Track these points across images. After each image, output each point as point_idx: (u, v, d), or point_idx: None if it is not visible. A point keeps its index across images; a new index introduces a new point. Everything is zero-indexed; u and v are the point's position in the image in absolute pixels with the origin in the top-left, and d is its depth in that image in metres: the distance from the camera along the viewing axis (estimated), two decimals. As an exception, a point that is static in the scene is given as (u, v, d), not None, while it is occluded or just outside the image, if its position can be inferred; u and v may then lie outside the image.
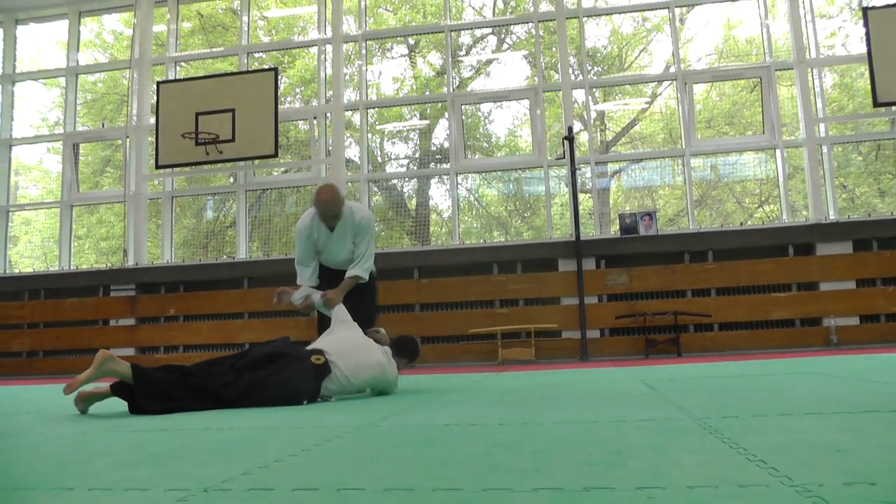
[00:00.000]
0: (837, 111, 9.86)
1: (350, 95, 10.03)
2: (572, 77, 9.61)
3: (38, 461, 2.01)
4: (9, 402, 4.74)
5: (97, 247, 11.71)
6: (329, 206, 4.74)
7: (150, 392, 3.28)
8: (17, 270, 10.51)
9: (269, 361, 3.60)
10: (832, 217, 8.61)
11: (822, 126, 8.96)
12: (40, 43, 11.58)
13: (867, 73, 8.47)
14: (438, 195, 11.06)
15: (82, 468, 1.83)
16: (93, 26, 11.59)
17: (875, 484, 1.26)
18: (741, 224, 9.29)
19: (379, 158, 11.44)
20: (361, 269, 4.80)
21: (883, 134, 9.17)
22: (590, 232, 9.07)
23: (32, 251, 11.28)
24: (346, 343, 3.87)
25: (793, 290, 8.32)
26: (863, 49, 8.59)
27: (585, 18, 9.75)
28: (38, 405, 4.31)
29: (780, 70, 9.16)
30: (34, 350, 9.74)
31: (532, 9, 9.95)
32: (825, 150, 8.88)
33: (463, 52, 11.49)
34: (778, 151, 8.97)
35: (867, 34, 8.43)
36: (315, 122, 9.90)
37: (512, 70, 13.11)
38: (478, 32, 11.36)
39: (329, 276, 4.84)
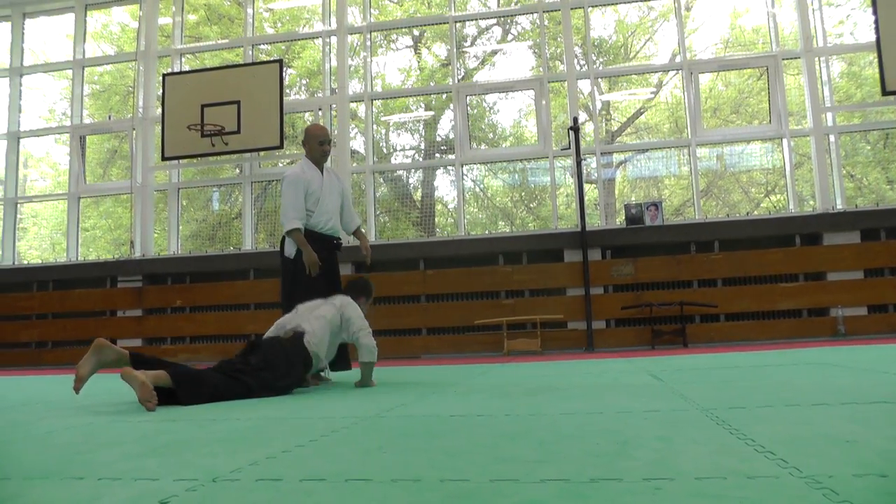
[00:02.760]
0: (845, 100, 9.79)
1: (355, 87, 10.01)
2: (577, 67, 9.57)
3: (48, 451, 2.02)
4: (18, 392, 4.77)
5: (104, 238, 11.75)
6: (326, 132, 4.98)
7: (190, 384, 3.30)
8: (25, 262, 10.55)
9: (250, 352, 3.73)
10: (840, 206, 8.57)
11: (829, 115, 8.90)
12: (48, 36, 11.59)
13: (876, 62, 8.41)
14: (444, 186, 11.05)
15: (91, 458, 1.85)
16: (100, 17, 11.59)
17: (886, 476, 1.26)
18: (747, 214, 9.26)
19: (384, 149, 11.42)
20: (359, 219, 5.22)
21: (892, 122, 9.10)
22: (595, 222, 9.05)
23: (40, 243, 11.32)
24: (298, 311, 4.15)
25: (800, 280, 8.29)
26: (871, 37, 8.53)
27: (590, 8, 9.68)
28: (46, 395, 4.33)
29: (787, 59, 9.10)
30: (43, 341, 9.79)
31: (537, -2, 9.90)
32: (832, 139, 8.83)
33: (468, 43, 11.45)
34: (785, 141, 8.92)
35: (876, 22, 8.36)
36: (320, 113, 9.89)
37: (517, 61, 13.03)
38: (483, 23, 11.32)
39: (321, 244, 4.81)
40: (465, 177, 9.86)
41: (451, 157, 9.85)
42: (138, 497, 1.35)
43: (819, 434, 1.75)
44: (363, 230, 5.37)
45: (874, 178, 10.02)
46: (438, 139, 11.23)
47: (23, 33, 10.95)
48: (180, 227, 10.21)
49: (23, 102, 10.94)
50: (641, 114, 11.69)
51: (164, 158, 9.62)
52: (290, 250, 4.73)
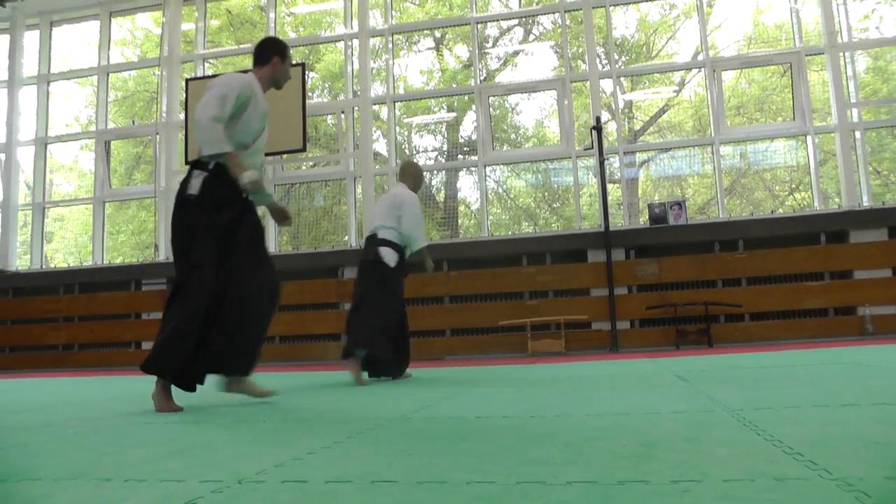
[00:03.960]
0: (871, 95, 9.64)
1: (377, 89, 10.04)
2: (600, 67, 9.52)
3: (75, 452, 2.04)
4: (46, 393, 4.83)
5: (129, 242, 11.89)
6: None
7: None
8: (52, 265, 10.70)
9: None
10: (866, 203, 8.44)
11: (854, 111, 8.77)
12: (73, 44, 11.76)
13: (903, 57, 8.29)
14: (467, 187, 11.06)
15: (117, 459, 1.86)
16: (125, 23, 11.73)
17: (919, 478, 1.23)
18: (772, 212, 9.16)
19: (407, 151, 11.45)
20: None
21: (919, 118, 8.95)
22: (619, 222, 8.99)
23: (66, 247, 11.48)
24: None
25: (826, 278, 8.18)
26: (898, 32, 8.40)
27: (612, 7, 9.63)
28: (73, 397, 4.39)
29: (810, 55, 8.98)
30: (70, 343, 9.92)
31: (558, -2, 9.87)
32: (858, 135, 8.70)
33: (490, 44, 11.45)
34: (809, 138, 8.81)
35: (903, 17, 8.24)
36: (343, 116, 9.93)
37: (539, 61, 13.02)
38: (504, 24, 11.31)
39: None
40: (487, 178, 9.85)
41: (474, 158, 9.85)
42: (164, 499, 1.36)
43: (849, 435, 1.72)
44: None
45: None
46: (461, 140, 11.25)
47: (50, 41, 11.12)
48: (204, 231, 10.28)
49: (50, 109, 11.11)
50: (664, 112, 11.61)
51: (187, 163, 9.71)
52: (390, 259, 4.88)
